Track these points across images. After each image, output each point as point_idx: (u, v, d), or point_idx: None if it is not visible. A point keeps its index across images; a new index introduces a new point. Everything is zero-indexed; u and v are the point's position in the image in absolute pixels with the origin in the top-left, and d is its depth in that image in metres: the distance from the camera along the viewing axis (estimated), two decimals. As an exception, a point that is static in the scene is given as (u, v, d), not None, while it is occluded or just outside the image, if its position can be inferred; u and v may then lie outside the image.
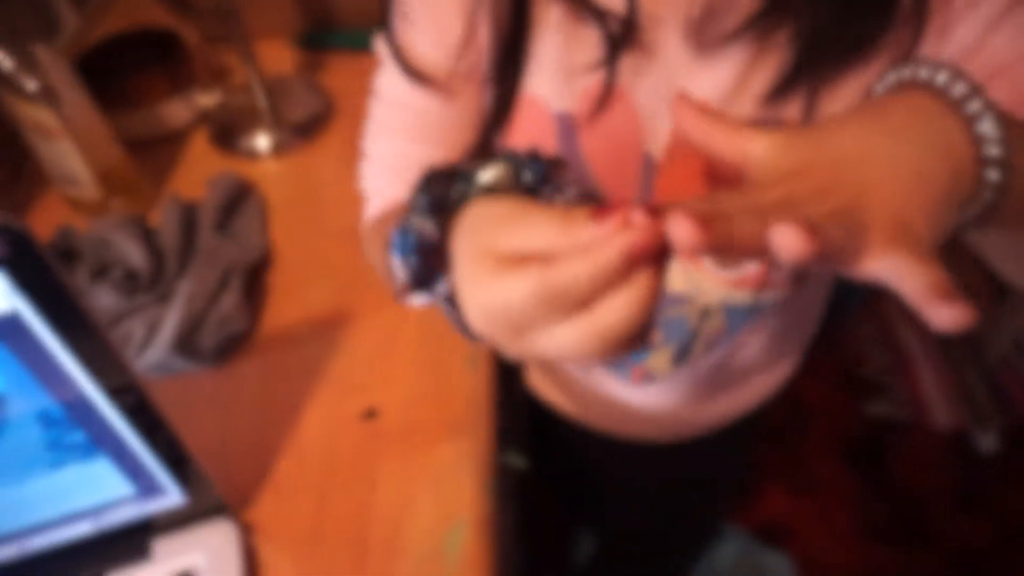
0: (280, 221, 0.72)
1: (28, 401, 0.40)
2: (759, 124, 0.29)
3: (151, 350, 0.56)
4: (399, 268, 0.35)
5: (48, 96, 0.62)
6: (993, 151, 0.28)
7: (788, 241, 0.23)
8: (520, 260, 0.27)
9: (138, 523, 0.48)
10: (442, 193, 0.33)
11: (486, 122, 0.48)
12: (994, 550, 1.35)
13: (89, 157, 0.66)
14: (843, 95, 0.41)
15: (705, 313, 0.53)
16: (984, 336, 1.60)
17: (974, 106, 0.28)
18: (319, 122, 0.82)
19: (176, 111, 0.80)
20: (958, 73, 0.29)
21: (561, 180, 0.33)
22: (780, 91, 0.41)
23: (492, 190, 0.33)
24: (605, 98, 0.44)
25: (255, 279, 0.66)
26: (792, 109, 0.42)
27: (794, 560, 1.35)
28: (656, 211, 0.25)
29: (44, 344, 0.38)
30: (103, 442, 0.43)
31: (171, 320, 0.57)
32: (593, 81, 0.44)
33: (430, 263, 0.34)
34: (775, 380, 0.68)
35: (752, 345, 0.59)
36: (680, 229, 0.23)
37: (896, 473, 1.47)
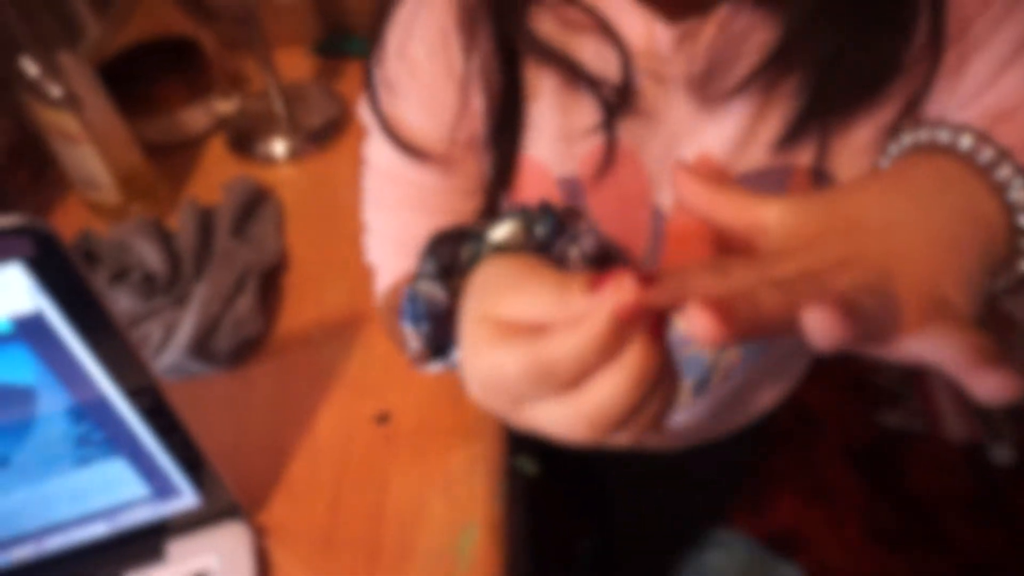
0: (296, 225, 0.73)
1: (55, 398, 0.40)
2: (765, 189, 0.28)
3: (167, 352, 0.57)
4: (411, 336, 0.34)
5: (71, 102, 0.63)
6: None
7: (824, 323, 0.20)
8: (517, 330, 0.26)
9: (153, 524, 0.49)
10: (451, 256, 0.32)
11: (488, 188, 0.46)
12: (1006, 558, 1.34)
13: (110, 162, 0.67)
14: (856, 137, 0.40)
15: (721, 348, 0.52)
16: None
17: (1004, 172, 0.27)
18: (335, 128, 0.83)
19: (195, 117, 0.81)
20: (984, 137, 0.27)
21: (576, 230, 0.32)
22: (791, 137, 0.39)
23: (504, 248, 0.32)
24: (608, 162, 0.42)
25: (271, 282, 0.67)
26: (804, 155, 0.40)
27: (805, 569, 1.34)
28: (653, 278, 0.23)
29: (66, 344, 0.38)
30: (120, 443, 0.44)
31: (187, 323, 0.57)
32: (595, 144, 0.42)
33: (443, 329, 0.33)
34: (785, 389, 0.69)
35: (766, 368, 0.59)
36: (702, 323, 0.21)
37: (908, 481, 1.46)
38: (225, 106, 0.84)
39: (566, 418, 0.25)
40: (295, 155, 0.80)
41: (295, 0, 0.91)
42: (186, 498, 0.48)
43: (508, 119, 0.42)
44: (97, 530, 0.48)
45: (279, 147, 0.80)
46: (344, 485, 0.53)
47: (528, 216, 0.32)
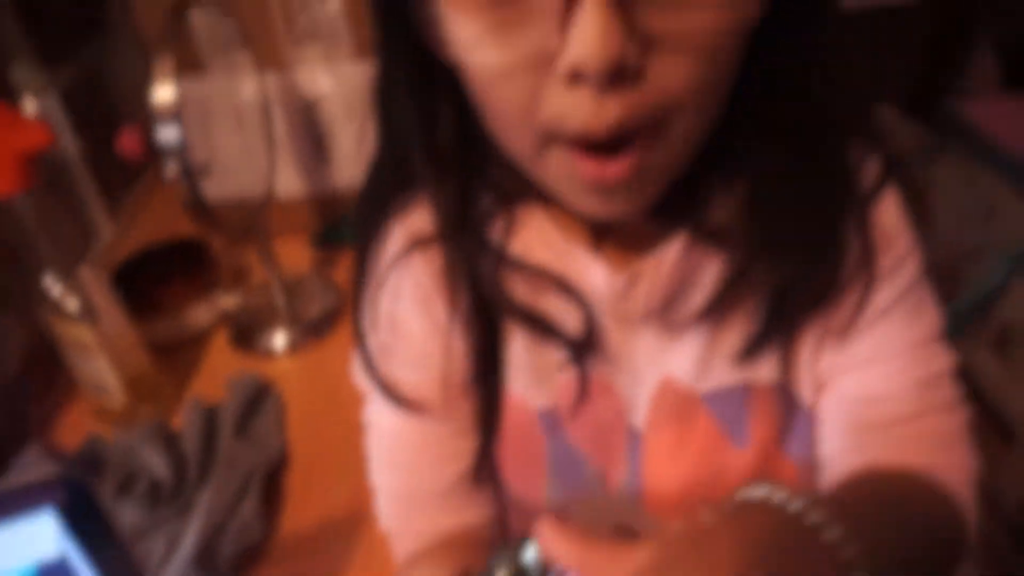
0: (297, 418, 0.75)
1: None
2: (628, 539, 0.31)
3: (171, 567, 0.58)
4: None
5: (88, 315, 0.67)
6: (848, 552, 0.31)
7: None
8: None
9: None
10: None
11: (478, 426, 0.48)
12: None
13: (120, 369, 0.71)
14: (808, 350, 0.44)
15: None
16: (998, 484, 1.58)
17: (813, 517, 0.31)
18: (333, 318, 0.87)
19: (199, 314, 0.86)
20: (795, 493, 0.32)
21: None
22: (752, 350, 0.42)
23: None
24: (583, 394, 0.45)
25: (273, 481, 0.68)
26: (763, 371, 0.44)
27: None
28: None
29: (86, 587, 0.40)
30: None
31: (190, 536, 0.58)
32: (569, 377, 0.45)
33: None
34: None
35: None
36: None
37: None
38: (228, 301, 0.88)
39: None
40: (295, 347, 0.84)
41: (294, 194, 0.98)
42: None
43: (489, 362, 0.46)
44: None
45: (280, 340, 0.84)
46: None
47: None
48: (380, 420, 0.50)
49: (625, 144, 0.33)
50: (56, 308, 0.67)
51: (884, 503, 0.39)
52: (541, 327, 0.43)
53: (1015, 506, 1.48)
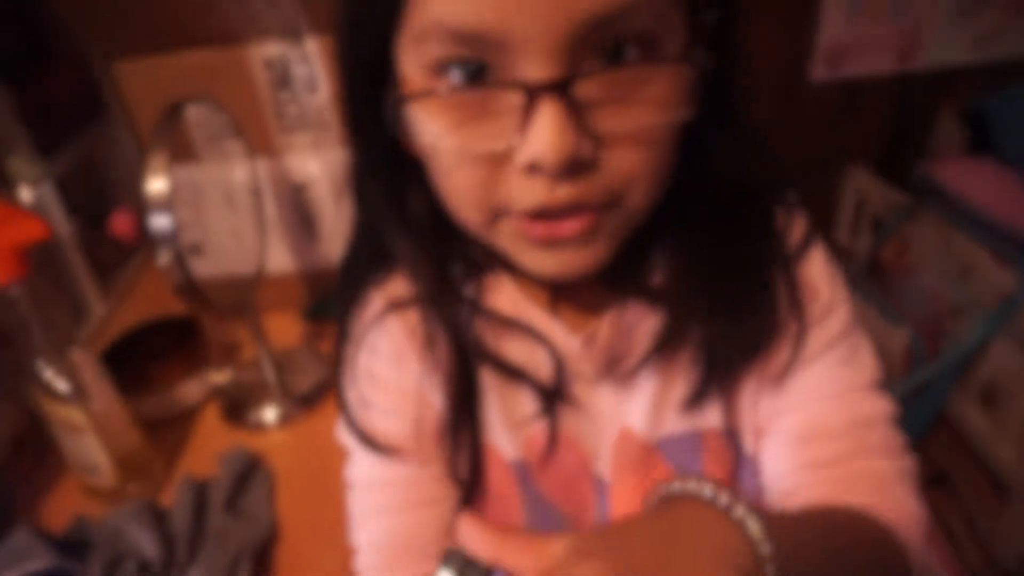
0: (287, 492, 0.75)
1: None
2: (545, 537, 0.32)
3: (160, 647, 0.57)
4: None
5: (79, 396, 0.68)
6: (764, 549, 0.32)
7: None
8: None
9: None
10: None
11: (457, 473, 0.50)
12: None
13: (110, 448, 0.71)
14: (749, 390, 0.47)
15: None
16: (995, 541, 1.56)
17: (737, 512, 0.33)
18: (323, 390, 0.88)
19: (190, 390, 0.86)
20: (720, 487, 0.34)
21: None
22: (696, 400, 0.46)
23: None
24: (552, 446, 0.48)
25: (263, 558, 0.68)
26: (711, 418, 0.47)
27: None
28: None
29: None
30: None
31: (182, 614, 0.58)
32: (536, 430, 0.48)
33: None
34: None
35: None
36: None
37: None
38: (219, 376, 0.89)
39: None
40: (286, 420, 0.84)
41: (284, 270, 1.00)
42: None
43: (464, 411, 0.48)
44: None
45: (270, 414, 0.84)
46: None
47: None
48: (361, 474, 0.51)
49: (578, 212, 0.36)
50: (47, 389, 0.68)
51: (811, 520, 0.41)
52: (515, 374, 0.46)
53: (1015, 560, 1.47)
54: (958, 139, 1.52)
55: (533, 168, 0.34)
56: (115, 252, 1.11)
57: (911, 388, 1.26)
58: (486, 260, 0.46)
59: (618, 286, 0.45)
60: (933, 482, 1.39)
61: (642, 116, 0.35)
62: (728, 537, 0.32)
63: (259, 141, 0.88)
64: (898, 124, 1.65)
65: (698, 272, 0.44)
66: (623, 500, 0.49)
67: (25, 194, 0.90)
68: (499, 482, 0.50)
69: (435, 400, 0.48)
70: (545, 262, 0.39)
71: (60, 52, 1.02)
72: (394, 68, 0.38)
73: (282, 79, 0.85)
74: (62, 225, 0.95)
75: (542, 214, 0.36)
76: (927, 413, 1.33)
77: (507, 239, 0.40)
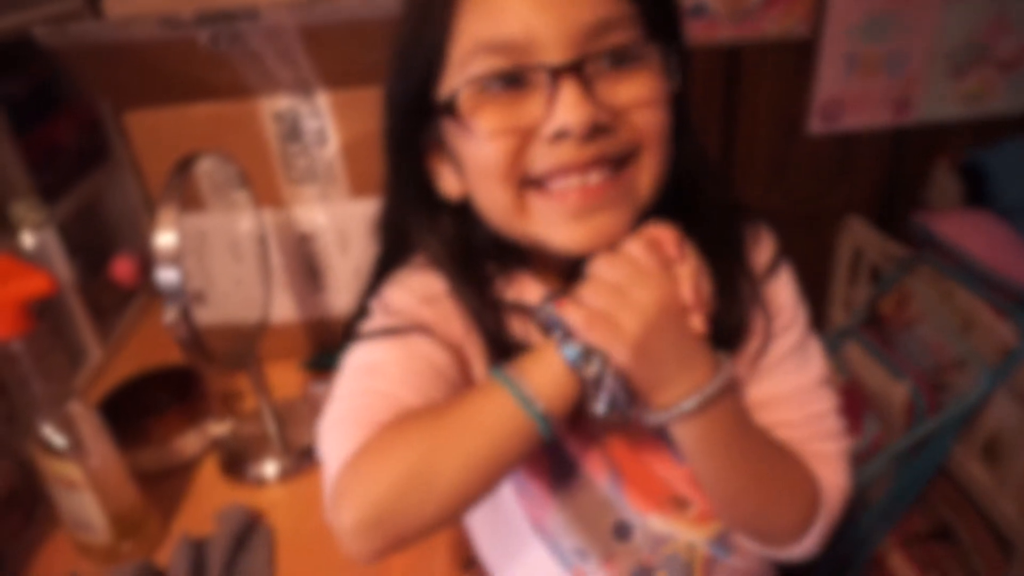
0: (287, 551, 0.73)
1: None
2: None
3: None
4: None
5: (76, 451, 0.66)
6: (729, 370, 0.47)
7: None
8: None
9: None
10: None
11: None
12: None
13: (106, 505, 0.69)
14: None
15: (691, 546, 0.58)
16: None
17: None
18: (324, 444, 0.86)
19: (189, 443, 0.84)
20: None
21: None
22: None
23: None
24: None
25: (261, 623, 0.65)
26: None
27: None
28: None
29: None
30: None
31: None
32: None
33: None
34: None
35: (746, 559, 0.61)
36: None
37: None
38: (219, 428, 0.87)
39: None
40: (286, 475, 0.82)
41: (288, 319, 0.99)
42: None
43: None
44: None
45: (270, 468, 0.83)
46: None
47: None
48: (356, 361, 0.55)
49: (600, 166, 0.46)
50: (43, 444, 0.66)
51: (754, 426, 0.52)
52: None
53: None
54: (953, 191, 1.54)
55: (560, 135, 0.44)
56: (114, 296, 1.10)
57: (912, 441, 1.25)
58: (508, 266, 0.54)
59: None
60: (937, 536, 1.37)
61: (641, 88, 0.46)
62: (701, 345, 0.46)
63: (266, 192, 0.88)
64: (893, 176, 1.67)
65: None
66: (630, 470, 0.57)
67: (27, 240, 0.89)
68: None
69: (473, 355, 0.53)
70: (576, 232, 0.47)
71: (64, 98, 1.02)
72: (434, 102, 0.48)
73: (291, 131, 0.85)
74: (63, 271, 0.94)
75: (571, 170, 0.45)
76: (928, 466, 1.31)
77: (539, 220, 0.48)
